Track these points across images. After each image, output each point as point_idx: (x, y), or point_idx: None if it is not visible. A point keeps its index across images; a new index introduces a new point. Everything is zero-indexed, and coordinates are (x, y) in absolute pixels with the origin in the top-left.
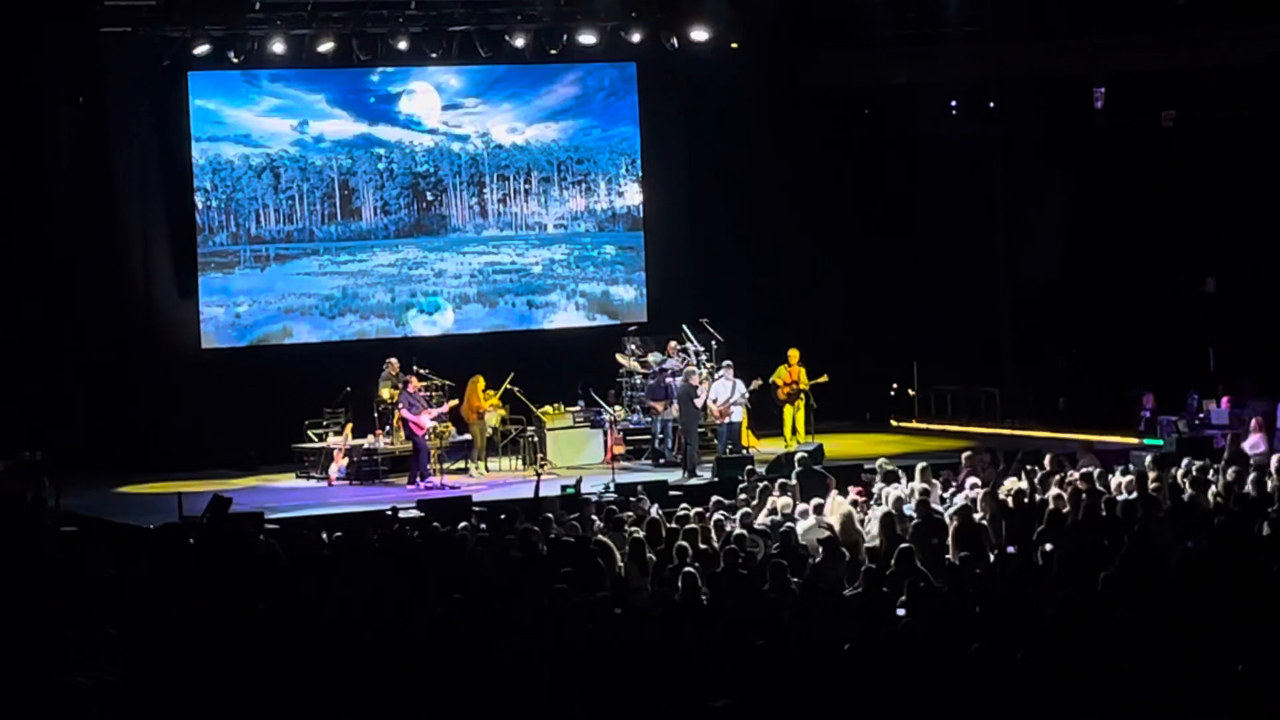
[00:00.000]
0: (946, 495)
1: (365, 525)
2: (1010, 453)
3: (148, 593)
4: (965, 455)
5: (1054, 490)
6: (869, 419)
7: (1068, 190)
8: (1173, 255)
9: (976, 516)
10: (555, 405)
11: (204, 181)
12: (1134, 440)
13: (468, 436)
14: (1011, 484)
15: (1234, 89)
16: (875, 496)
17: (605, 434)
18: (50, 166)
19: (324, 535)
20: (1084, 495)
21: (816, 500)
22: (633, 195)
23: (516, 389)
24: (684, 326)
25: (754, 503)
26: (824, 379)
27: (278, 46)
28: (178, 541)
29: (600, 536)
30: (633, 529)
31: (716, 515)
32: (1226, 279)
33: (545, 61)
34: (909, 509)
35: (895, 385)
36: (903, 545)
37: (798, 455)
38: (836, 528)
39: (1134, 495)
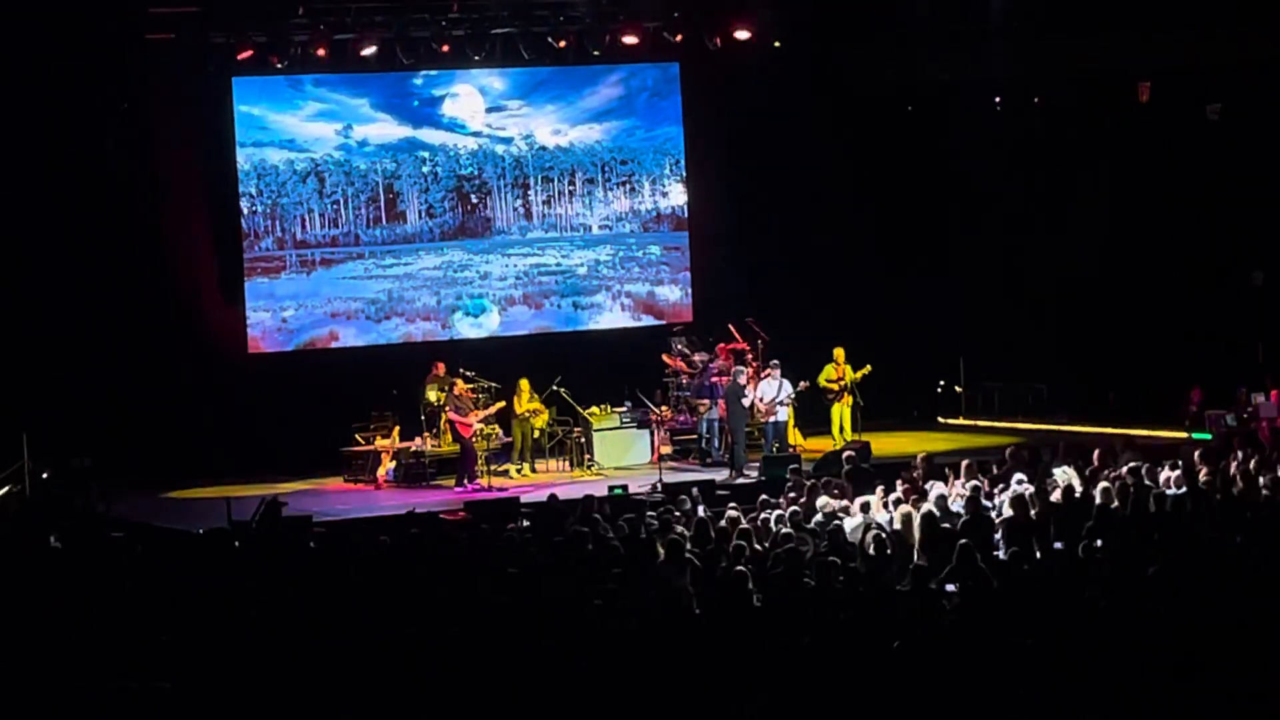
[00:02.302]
0: (995, 491)
1: (411, 528)
2: (1061, 446)
3: (198, 598)
4: (1008, 451)
5: (1102, 485)
6: (916, 416)
7: (1113, 184)
8: (1219, 249)
9: (1025, 512)
10: (602, 406)
11: (249, 187)
12: (1182, 434)
13: (511, 439)
14: (1061, 478)
15: (1278, 81)
16: (922, 493)
17: (652, 434)
18: (96, 173)
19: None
20: (1132, 490)
21: (864, 498)
22: (677, 195)
23: (563, 390)
24: (730, 325)
25: (802, 501)
26: (867, 369)
27: (321, 51)
28: (225, 547)
29: (649, 537)
30: (680, 529)
31: (764, 514)
32: (1275, 272)
33: (588, 63)
34: (958, 506)
35: (942, 382)
36: (952, 542)
37: (845, 454)
38: (897, 526)
39: (1182, 490)
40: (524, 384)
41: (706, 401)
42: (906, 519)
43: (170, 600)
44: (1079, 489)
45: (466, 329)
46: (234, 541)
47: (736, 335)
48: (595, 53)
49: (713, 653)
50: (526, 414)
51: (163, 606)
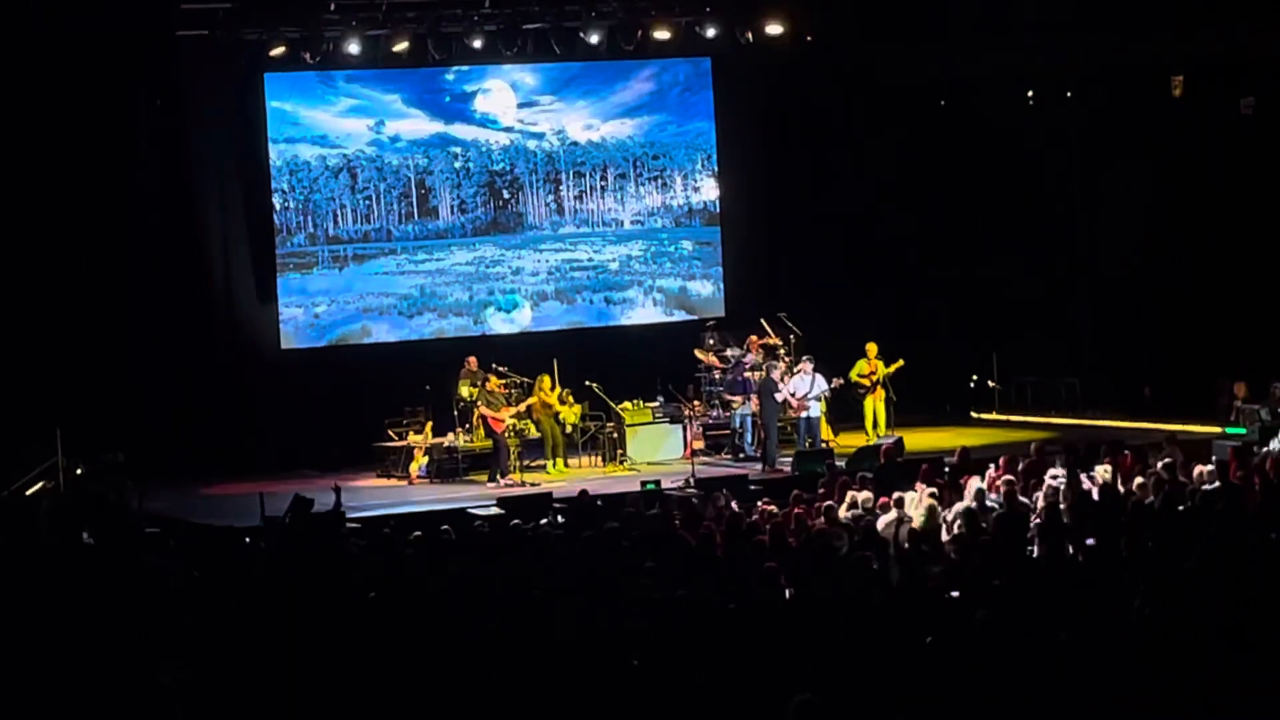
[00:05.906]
0: (1029, 487)
1: (443, 524)
2: (1091, 443)
3: (227, 592)
4: (1034, 446)
5: (1136, 480)
6: (949, 411)
7: (1146, 179)
8: (1253, 243)
9: (1059, 508)
10: (634, 401)
11: (281, 183)
12: (1216, 429)
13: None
14: (1099, 474)
15: None
16: (957, 489)
17: (684, 429)
18: (128, 170)
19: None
20: (1166, 485)
21: (899, 494)
22: (709, 190)
23: (595, 385)
24: (762, 320)
25: (836, 496)
26: (899, 364)
27: (353, 47)
28: (233, 544)
29: (681, 532)
30: (711, 524)
31: (797, 509)
32: None
33: (620, 58)
34: (992, 501)
35: (975, 377)
36: (985, 538)
37: (883, 448)
38: (919, 521)
39: (1216, 485)
40: (543, 379)
41: (739, 397)
42: (930, 512)
43: (202, 594)
44: (1114, 484)
45: (499, 324)
46: (244, 538)
47: (769, 330)
48: (627, 48)
49: (744, 648)
50: (554, 408)
51: (195, 600)
